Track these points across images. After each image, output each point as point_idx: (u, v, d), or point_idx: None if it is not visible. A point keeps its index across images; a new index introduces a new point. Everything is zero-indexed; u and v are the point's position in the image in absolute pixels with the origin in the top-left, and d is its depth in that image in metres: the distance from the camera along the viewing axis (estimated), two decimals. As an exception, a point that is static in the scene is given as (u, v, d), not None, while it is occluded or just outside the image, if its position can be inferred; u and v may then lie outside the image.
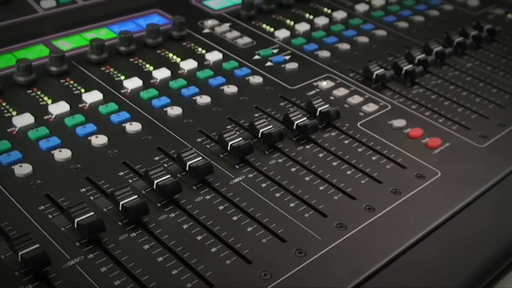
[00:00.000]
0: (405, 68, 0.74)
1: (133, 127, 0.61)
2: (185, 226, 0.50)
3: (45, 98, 0.64)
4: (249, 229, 0.50)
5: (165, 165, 0.56)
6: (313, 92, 0.70)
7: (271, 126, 0.60)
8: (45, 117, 0.62)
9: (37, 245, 0.44)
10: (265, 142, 0.60)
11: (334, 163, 0.59)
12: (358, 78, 0.74)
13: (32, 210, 0.50)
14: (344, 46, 0.80)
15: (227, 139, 0.58)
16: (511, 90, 0.74)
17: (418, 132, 0.64)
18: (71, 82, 0.68)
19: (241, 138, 0.58)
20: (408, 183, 0.57)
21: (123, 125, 0.61)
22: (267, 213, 0.52)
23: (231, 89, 0.69)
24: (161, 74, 0.70)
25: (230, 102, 0.67)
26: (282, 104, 0.67)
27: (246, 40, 0.79)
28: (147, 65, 0.72)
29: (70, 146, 0.57)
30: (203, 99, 0.66)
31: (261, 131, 0.60)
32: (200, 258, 0.47)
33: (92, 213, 0.48)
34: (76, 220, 0.47)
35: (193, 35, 0.80)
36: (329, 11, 0.90)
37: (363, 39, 0.83)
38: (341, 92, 0.70)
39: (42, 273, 0.44)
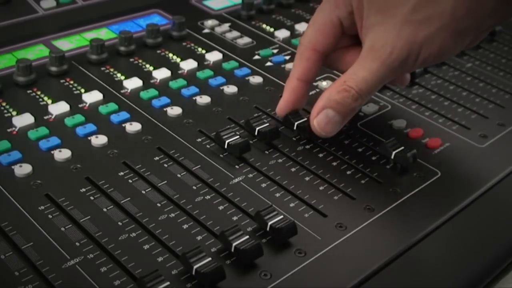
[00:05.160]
0: (405, 68, 0.74)
1: (133, 127, 0.61)
2: (185, 227, 0.50)
3: (45, 98, 0.64)
4: (249, 229, 0.50)
5: (165, 165, 0.56)
6: (313, 92, 0.70)
7: (267, 124, 0.60)
8: (45, 117, 0.62)
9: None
10: (261, 139, 0.60)
11: (334, 163, 0.59)
12: (358, 78, 0.73)
13: (32, 210, 0.50)
14: (344, 46, 0.80)
15: (224, 137, 0.58)
16: (511, 90, 0.74)
17: (418, 132, 0.64)
18: (71, 82, 0.68)
19: (237, 136, 0.58)
20: (408, 183, 0.57)
21: (123, 125, 0.61)
22: (267, 213, 0.52)
23: (231, 89, 0.68)
24: (161, 74, 0.70)
25: (230, 102, 0.67)
26: (282, 104, 0.67)
27: (246, 40, 0.79)
28: (147, 65, 0.72)
29: (70, 146, 0.57)
30: (203, 99, 0.66)
31: (257, 128, 0.60)
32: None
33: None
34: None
35: (193, 35, 0.80)
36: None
37: (363, 39, 0.83)
38: (341, 92, 0.70)
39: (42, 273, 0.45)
